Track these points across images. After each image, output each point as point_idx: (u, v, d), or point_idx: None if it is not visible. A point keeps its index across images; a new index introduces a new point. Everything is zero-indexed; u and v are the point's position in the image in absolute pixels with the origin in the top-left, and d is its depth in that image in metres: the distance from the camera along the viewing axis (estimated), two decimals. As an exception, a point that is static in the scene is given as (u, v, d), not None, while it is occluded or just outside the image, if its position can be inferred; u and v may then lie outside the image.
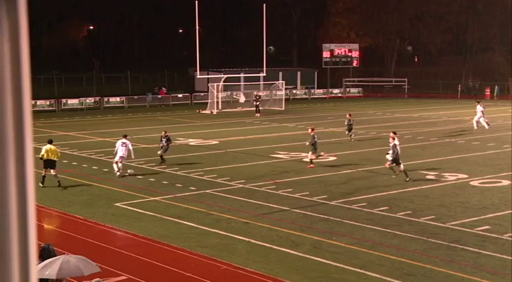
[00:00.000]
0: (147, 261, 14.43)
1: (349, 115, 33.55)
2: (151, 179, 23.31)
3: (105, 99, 53.83)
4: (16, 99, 1.33)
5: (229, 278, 13.49)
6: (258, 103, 48.29)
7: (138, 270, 13.78)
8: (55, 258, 9.91)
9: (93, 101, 53.26)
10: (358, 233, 16.45)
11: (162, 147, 26.22)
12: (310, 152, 25.46)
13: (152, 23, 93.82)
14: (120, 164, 23.69)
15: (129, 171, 23.99)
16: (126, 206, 19.41)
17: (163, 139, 26.32)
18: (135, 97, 55.70)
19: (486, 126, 36.48)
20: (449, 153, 29.21)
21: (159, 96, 57.37)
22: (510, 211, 18.43)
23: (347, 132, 33.00)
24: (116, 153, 23.79)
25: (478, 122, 37.09)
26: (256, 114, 46.84)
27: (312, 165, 25.21)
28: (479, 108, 37.61)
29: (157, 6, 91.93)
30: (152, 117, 46.33)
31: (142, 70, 74.52)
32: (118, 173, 23.49)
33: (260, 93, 52.16)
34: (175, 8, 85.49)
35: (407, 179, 22.39)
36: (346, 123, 33.26)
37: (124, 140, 23.96)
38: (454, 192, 21.11)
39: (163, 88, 60.59)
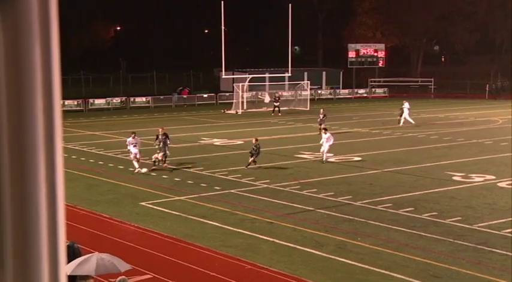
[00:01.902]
0: (172, 260, 14.53)
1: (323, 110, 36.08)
2: (177, 179, 23.44)
3: (131, 99, 54.26)
4: (47, 100, 1.35)
5: (253, 278, 13.51)
6: (278, 103, 48.38)
7: (163, 270, 13.88)
8: (88, 256, 10.14)
9: (119, 101, 53.73)
10: (383, 233, 16.34)
11: (159, 148, 24.98)
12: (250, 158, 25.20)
13: (178, 23, 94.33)
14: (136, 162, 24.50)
15: (143, 170, 24.32)
16: (151, 205, 19.56)
17: (160, 137, 24.98)
18: (161, 97, 56.04)
19: (412, 122, 38.73)
20: (477, 154, 28.85)
21: (184, 96, 57.68)
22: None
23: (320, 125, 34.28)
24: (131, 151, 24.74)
25: (405, 118, 39.12)
26: (272, 114, 46.75)
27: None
28: (406, 105, 39.42)
29: (182, 6, 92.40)
30: (178, 117, 46.56)
31: (168, 70, 74.95)
32: (144, 170, 24.31)
33: (279, 94, 52.17)
34: (201, 7, 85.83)
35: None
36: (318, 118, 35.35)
37: (131, 139, 24.69)
38: (481, 193, 20.85)
39: (187, 89, 60.93)
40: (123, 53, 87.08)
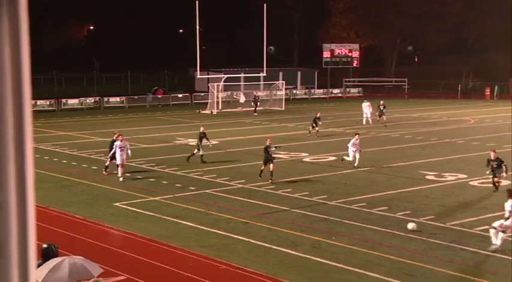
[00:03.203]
0: (146, 261, 14.44)
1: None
2: (151, 179, 23.32)
3: (105, 99, 53.84)
4: (16, 100, 1.34)
5: (228, 278, 13.50)
6: (258, 103, 48.91)
7: (137, 270, 13.79)
8: (59, 260, 9.74)
9: (93, 101, 53.28)
10: (358, 233, 16.46)
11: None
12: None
13: (152, 22, 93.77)
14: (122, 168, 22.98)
15: (121, 179, 22.89)
16: (125, 206, 19.42)
17: (115, 144, 23.45)
18: (135, 97, 55.71)
19: (370, 122, 39.49)
20: (449, 153, 29.22)
21: (159, 96, 57.45)
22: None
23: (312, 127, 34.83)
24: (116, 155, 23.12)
25: (367, 118, 39.84)
26: (254, 113, 47.23)
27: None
28: (365, 104, 40.20)
29: (157, 6, 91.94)
30: (152, 117, 46.33)
31: (142, 70, 74.51)
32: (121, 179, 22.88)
33: (259, 94, 52.44)
34: (176, 8, 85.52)
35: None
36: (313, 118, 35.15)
37: (119, 143, 23.10)
38: (454, 192, 21.12)
39: (161, 89, 60.79)
40: (97, 52, 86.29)
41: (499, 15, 78.90)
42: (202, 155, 26.41)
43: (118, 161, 22.99)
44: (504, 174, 20.52)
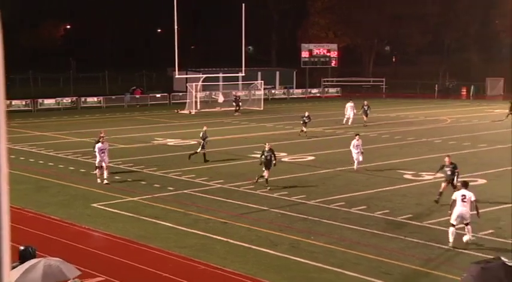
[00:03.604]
0: (124, 262, 14.35)
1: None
2: (129, 180, 23.17)
3: (82, 99, 53.44)
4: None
5: (207, 278, 13.46)
6: (240, 103, 49.06)
7: (115, 271, 13.69)
8: (34, 261, 9.56)
9: (70, 101, 52.84)
10: (336, 232, 16.53)
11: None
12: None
13: (130, 22, 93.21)
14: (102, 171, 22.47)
15: (105, 182, 22.32)
16: (103, 207, 19.27)
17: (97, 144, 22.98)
18: (113, 97, 55.36)
19: (349, 123, 39.68)
20: (426, 152, 29.47)
21: (137, 96, 57.18)
22: (485, 209, 18.66)
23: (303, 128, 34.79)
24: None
25: (348, 118, 40.06)
26: (235, 113, 47.27)
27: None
28: (349, 104, 40.36)
29: (135, 6, 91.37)
30: (130, 117, 46.08)
31: (120, 70, 74.01)
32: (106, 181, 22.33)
33: (237, 94, 52.48)
34: (154, 7, 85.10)
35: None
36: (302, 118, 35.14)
37: (100, 145, 22.53)
38: (431, 191, 21.28)
39: (139, 88, 60.52)
40: (74, 52, 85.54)
41: (475, 17, 79.90)
42: (204, 154, 26.61)
43: (96, 163, 22.60)
44: (443, 184, 19.37)
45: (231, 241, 15.75)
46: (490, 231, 16.49)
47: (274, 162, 21.70)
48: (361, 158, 24.52)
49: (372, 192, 21.14)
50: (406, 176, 23.71)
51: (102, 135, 23.46)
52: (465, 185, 15.67)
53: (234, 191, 21.30)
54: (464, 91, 65.94)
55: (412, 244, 15.53)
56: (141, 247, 15.39)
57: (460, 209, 15.23)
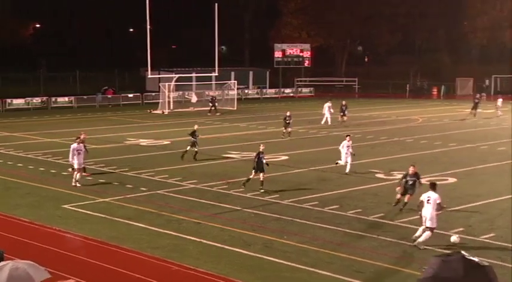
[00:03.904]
0: (96, 263, 14.19)
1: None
2: (101, 180, 22.94)
3: (53, 99, 52.82)
4: None
5: (180, 279, 13.39)
6: (216, 103, 48.95)
7: (86, 273, 13.53)
8: (1, 264, 9.39)
9: (40, 101, 52.18)
10: (309, 231, 16.58)
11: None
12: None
13: (101, 21, 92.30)
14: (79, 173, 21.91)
15: (79, 184, 22.05)
16: (74, 208, 19.04)
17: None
18: (85, 97, 54.83)
19: (329, 122, 39.67)
20: (398, 151, 29.74)
21: (109, 96, 56.71)
22: (455, 208, 18.91)
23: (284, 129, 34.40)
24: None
25: (327, 118, 40.12)
26: (209, 113, 47.07)
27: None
28: (326, 104, 40.54)
29: (107, 5, 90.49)
30: (102, 117, 45.66)
31: (91, 70, 73.23)
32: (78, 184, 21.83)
33: (214, 94, 52.37)
34: (127, 6, 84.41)
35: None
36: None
37: (76, 145, 22.01)
38: (403, 190, 21.44)
39: (111, 88, 60.05)
40: (44, 51, 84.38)
41: (443, 18, 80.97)
42: (196, 152, 26.67)
43: (75, 165, 21.87)
44: (407, 197, 18.16)
45: (204, 241, 15.69)
46: (461, 229, 16.70)
47: (266, 163, 21.19)
48: (349, 160, 23.93)
49: (344, 191, 21.26)
50: (378, 176, 23.88)
51: (81, 136, 23.08)
52: (432, 186, 15.80)
53: (207, 191, 21.23)
54: (435, 91, 66.77)
55: (384, 243, 15.65)
56: (114, 248, 15.25)
57: (425, 210, 15.39)
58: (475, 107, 44.37)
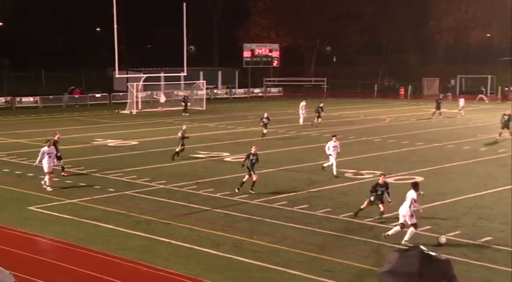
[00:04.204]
0: (64, 266, 13.96)
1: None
2: (68, 181, 22.61)
3: (17, 99, 51.98)
4: None
5: (149, 280, 13.27)
6: (188, 103, 48.73)
7: (54, 276, 13.32)
8: None
9: (4, 100, 51.33)
10: (279, 231, 16.59)
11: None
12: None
13: (68, 20, 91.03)
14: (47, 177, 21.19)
15: (49, 189, 21.45)
16: (40, 210, 18.72)
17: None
18: (51, 97, 54.07)
19: (301, 122, 39.86)
20: (367, 151, 30.00)
21: (76, 96, 56.01)
22: (423, 206, 19.12)
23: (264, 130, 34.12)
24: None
25: (304, 118, 40.23)
26: (183, 113, 46.82)
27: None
28: (302, 104, 40.57)
29: (73, 4, 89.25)
30: (69, 117, 45.08)
31: (58, 69, 72.20)
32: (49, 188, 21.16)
33: (186, 94, 52.19)
34: (93, 5, 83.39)
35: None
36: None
37: (47, 148, 21.31)
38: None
39: (78, 88, 59.34)
40: (7, 50, 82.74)
41: (410, 19, 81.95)
42: (179, 152, 26.83)
43: (45, 168, 21.19)
44: (381, 206, 17.48)
45: (174, 242, 15.59)
46: (428, 227, 16.89)
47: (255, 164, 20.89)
48: (334, 162, 23.50)
49: (313, 191, 21.34)
50: (347, 175, 24.03)
51: (56, 136, 22.91)
52: (412, 185, 16.01)
53: (177, 192, 21.10)
54: (402, 91, 67.57)
55: (353, 241, 15.74)
56: (82, 250, 15.03)
57: (402, 207, 15.70)
58: (438, 107, 45.05)
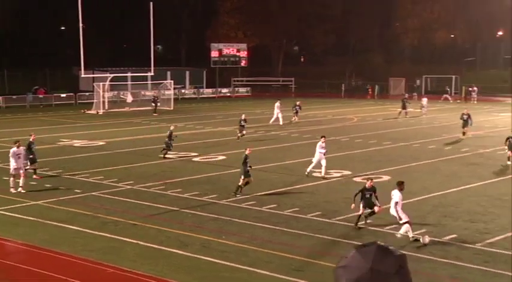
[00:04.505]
0: (28, 268, 13.70)
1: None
2: (33, 182, 22.21)
3: (-21, 99, 50.95)
4: None
5: (116, 282, 13.11)
6: (158, 103, 48.27)
7: (18, 279, 13.06)
8: None
9: (-35, 101, 50.23)
10: (248, 231, 16.56)
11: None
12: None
13: (32, 19, 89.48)
14: (15, 178, 20.51)
15: (23, 191, 20.53)
16: (3, 212, 18.34)
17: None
18: (14, 97, 53.14)
19: (281, 122, 39.65)
20: (335, 150, 30.12)
21: (40, 96, 55.12)
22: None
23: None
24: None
25: (277, 118, 40.20)
26: (153, 114, 46.35)
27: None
28: (276, 104, 40.64)
29: (37, 2, 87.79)
30: (33, 117, 44.33)
31: (21, 68, 70.92)
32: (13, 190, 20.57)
33: (156, 94, 51.84)
34: (58, 4, 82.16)
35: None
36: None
37: (16, 149, 20.75)
38: (339, 188, 21.81)
39: (42, 88, 58.42)
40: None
41: (376, 19, 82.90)
42: (165, 151, 27.10)
43: (11, 170, 20.58)
44: (376, 208, 16.92)
45: (141, 243, 15.43)
46: (394, 226, 17.03)
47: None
48: (324, 163, 23.21)
49: (282, 190, 21.38)
50: (315, 174, 24.12)
51: (34, 136, 23.02)
52: (398, 184, 16.16)
53: (144, 192, 20.91)
54: (369, 91, 68.21)
55: (321, 241, 15.81)
56: (47, 252, 14.77)
57: (390, 209, 15.88)
58: (404, 107, 45.62)
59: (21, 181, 20.62)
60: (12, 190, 20.65)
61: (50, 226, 16.96)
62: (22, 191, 20.53)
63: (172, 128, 27.96)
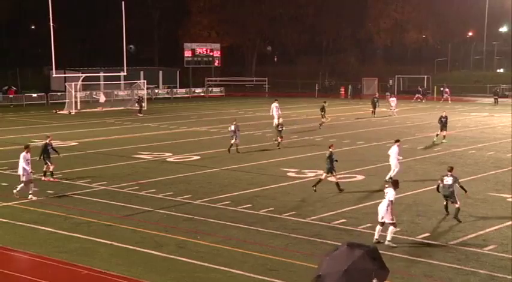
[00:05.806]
0: (0, 271, 13.48)
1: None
2: (4, 184, 21.89)
3: None
4: None
5: (90, 284, 12.98)
6: (143, 103, 47.96)
7: (-11, 282, 12.85)
8: None
9: None
10: (223, 231, 16.54)
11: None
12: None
13: (1, 17, 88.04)
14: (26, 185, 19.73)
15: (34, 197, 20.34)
16: (-25, 213, 18.03)
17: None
18: (-17, 97, 52.31)
19: (276, 121, 38.47)
20: (309, 150, 30.29)
21: (10, 96, 54.33)
22: (364, 204, 19.49)
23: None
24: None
25: (277, 117, 39.30)
26: (139, 114, 45.86)
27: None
28: (274, 105, 40.08)
29: (6, 0, 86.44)
30: (3, 118, 43.70)
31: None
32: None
33: (141, 94, 51.49)
34: (28, 2, 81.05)
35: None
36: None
37: (25, 154, 19.98)
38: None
39: (12, 88, 57.60)
40: None
41: (348, 19, 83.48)
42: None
43: (23, 177, 19.73)
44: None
45: (115, 244, 15.30)
46: (369, 225, 17.18)
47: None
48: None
49: (256, 190, 21.39)
50: (289, 174, 24.20)
51: (51, 138, 22.75)
52: (392, 184, 16.05)
53: (118, 193, 20.74)
54: (342, 90, 68.66)
55: (296, 240, 15.85)
56: (18, 254, 14.57)
57: (381, 205, 15.69)
58: (374, 106, 46.07)
59: (31, 187, 19.72)
60: (32, 197, 19.61)
61: (22, 228, 16.72)
62: (33, 198, 19.67)
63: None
